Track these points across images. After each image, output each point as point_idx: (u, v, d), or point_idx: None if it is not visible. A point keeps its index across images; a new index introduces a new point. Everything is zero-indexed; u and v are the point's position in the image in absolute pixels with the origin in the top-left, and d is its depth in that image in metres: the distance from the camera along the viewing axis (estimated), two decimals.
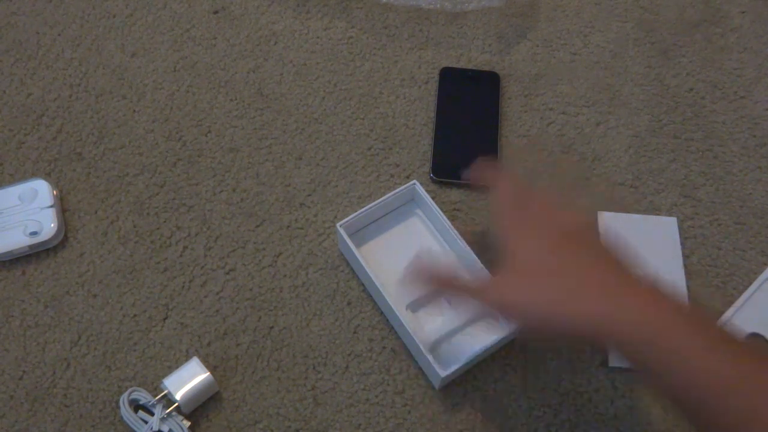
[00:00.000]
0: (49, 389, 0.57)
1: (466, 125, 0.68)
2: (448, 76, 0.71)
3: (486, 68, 0.72)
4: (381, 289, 0.56)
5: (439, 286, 0.53)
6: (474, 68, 0.72)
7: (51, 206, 0.62)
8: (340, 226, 0.59)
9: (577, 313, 0.46)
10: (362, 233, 0.61)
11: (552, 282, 0.47)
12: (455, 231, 0.59)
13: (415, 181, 0.61)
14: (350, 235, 0.59)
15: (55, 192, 0.63)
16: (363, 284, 0.60)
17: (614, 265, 0.48)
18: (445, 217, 0.59)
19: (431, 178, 0.65)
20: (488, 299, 0.50)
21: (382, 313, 0.59)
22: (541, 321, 0.48)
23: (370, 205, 0.60)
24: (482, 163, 0.57)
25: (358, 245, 0.60)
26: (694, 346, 0.42)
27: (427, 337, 0.55)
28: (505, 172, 0.56)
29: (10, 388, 0.57)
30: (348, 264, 0.61)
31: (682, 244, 0.63)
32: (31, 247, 0.61)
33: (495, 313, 0.51)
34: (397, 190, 0.61)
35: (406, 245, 0.61)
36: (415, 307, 0.58)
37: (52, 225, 0.61)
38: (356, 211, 0.60)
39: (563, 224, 0.51)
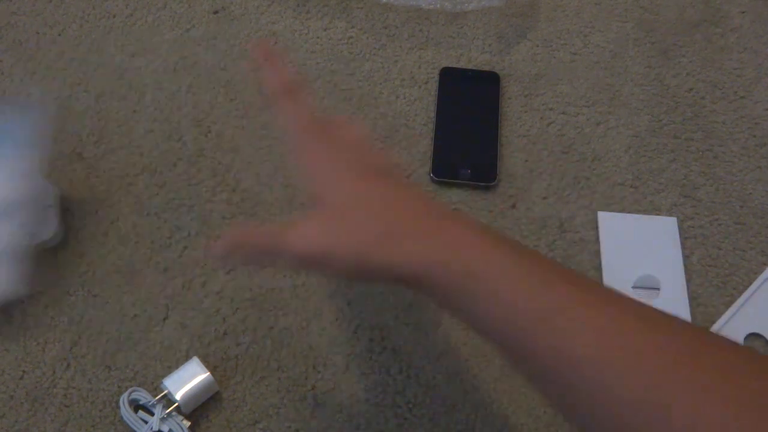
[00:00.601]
0: (49, 389, 0.57)
1: (466, 125, 0.68)
2: (448, 76, 0.71)
3: (486, 68, 0.72)
4: None
5: (238, 252, 0.45)
6: (474, 68, 0.72)
7: (51, 206, 0.62)
8: None
9: (389, 258, 0.41)
10: None
11: (361, 221, 0.42)
12: None
13: None
14: None
15: (53, 189, 0.63)
16: None
17: (424, 199, 0.44)
18: None
19: (431, 178, 0.65)
20: (285, 250, 0.43)
21: (381, 313, 0.59)
22: (350, 270, 0.42)
23: None
24: (267, 48, 0.49)
25: None
26: (510, 281, 0.39)
27: None
28: (296, 89, 0.47)
29: (10, 388, 0.57)
30: None
31: (682, 244, 0.63)
32: (31, 246, 0.61)
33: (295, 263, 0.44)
34: None
35: None
36: None
37: (54, 224, 0.61)
38: None
39: (370, 160, 0.46)
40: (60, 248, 0.62)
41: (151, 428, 0.53)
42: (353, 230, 0.42)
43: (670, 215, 0.64)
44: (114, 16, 0.74)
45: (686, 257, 0.62)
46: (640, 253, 0.62)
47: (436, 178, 0.65)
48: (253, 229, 0.46)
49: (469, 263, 0.40)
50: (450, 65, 0.71)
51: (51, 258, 0.62)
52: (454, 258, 0.40)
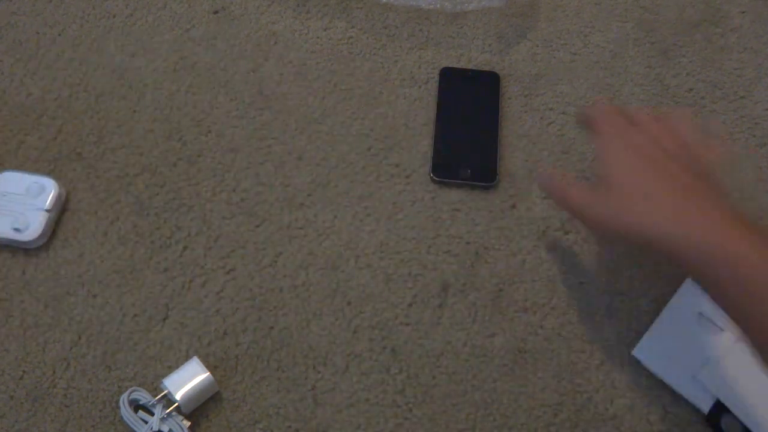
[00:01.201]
0: (49, 389, 0.57)
1: (466, 125, 0.68)
2: (448, 76, 0.71)
3: (486, 68, 0.72)
4: None
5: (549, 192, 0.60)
6: (474, 68, 0.72)
7: (47, 210, 0.62)
8: None
9: (642, 230, 0.49)
10: None
11: (645, 205, 0.50)
12: None
13: None
14: None
15: (59, 196, 0.63)
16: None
17: (707, 192, 0.51)
18: None
19: (431, 178, 0.65)
20: (580, 219, 0.55)
21: (381, 313, 0.59)
22: (627, 239, 0.53)
23: None
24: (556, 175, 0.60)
25: None
26: (753, 271, 0.45)
27: None
28: (606, 111, 0.57)
29: (10, 388, 0.57)
30: (347, 264, 0.61)
31: None
32: (10, 240, 0.61)
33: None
34: None
35: None
36: None
37: (39, 229, 0.61)
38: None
39: (667, 147, 0.53)
40: (60, 248, 0.62)
41: (151, 428, 0.54)
42: (640, 212, 0.51)
43: None
44: (114, 16, 0.74)
45: None
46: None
47: (436, 178, 0.65)
48: (563, 193, 0.56)
49: (718, 252, 0.47)
50: (450, 65, 0.71)
51: (51, 258, 0.62)
52: (704, 247, 0.47)
